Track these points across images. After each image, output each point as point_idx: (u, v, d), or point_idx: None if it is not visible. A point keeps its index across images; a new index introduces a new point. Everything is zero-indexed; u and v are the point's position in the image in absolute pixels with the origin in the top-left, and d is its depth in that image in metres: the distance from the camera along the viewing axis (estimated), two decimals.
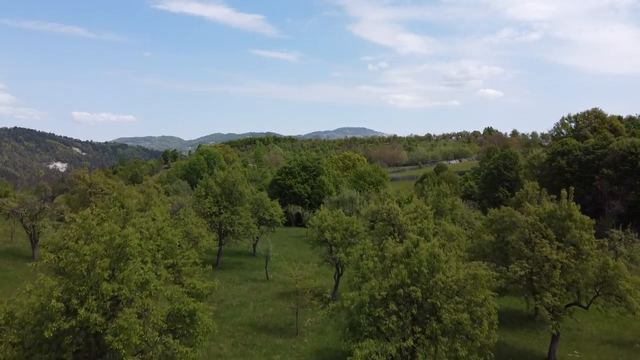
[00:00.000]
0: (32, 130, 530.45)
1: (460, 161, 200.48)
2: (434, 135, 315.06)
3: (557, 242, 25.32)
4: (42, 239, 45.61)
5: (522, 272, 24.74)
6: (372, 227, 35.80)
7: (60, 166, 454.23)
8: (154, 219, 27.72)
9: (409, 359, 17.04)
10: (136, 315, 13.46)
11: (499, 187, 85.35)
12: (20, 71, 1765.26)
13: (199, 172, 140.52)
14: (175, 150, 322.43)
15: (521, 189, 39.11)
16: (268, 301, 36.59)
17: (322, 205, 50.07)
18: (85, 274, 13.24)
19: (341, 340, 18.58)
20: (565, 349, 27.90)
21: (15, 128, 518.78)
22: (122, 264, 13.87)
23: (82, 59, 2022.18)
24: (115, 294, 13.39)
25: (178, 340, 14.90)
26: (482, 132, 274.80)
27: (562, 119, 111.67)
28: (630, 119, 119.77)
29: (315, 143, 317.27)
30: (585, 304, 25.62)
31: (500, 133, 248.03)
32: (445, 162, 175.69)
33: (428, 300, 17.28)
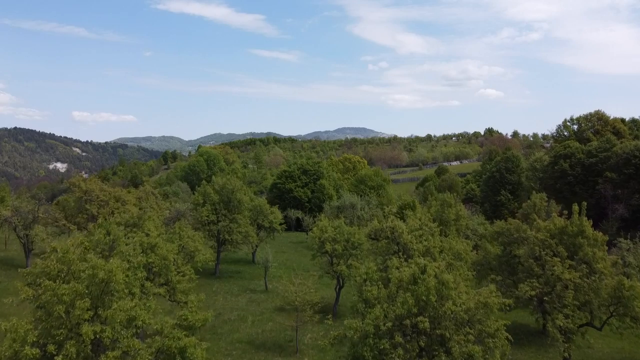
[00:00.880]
0: (32, 130, 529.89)
1: (461, 162, 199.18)
2: (435, 136, 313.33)
3: (568, 261, 24.20)
4: (37, 247, 44.58)
5: (533, 292, 23.63)
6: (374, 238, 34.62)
7: (61, 166, 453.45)
8: (147, 234, 26.64)
9: None
10: None
11: (501, 190, 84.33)
12: (20, 71, 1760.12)
13: (199, 173, 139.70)
14: (175, 150, 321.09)
15: (528, 200, 37.82)
16: (267, 315, 35.51)
17: (322, 213, 48.96)
18: (63, 315, 12.10)
19: None
20: None
21: (15, 128, 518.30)
22: (106, 300, 12.70)
23: (82, 59, 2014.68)
24: (98, 336, 12.22)
25: None
26: (482, 133, 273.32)
27: (565, 121, 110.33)
28: (634, 121, 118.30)
29: (316, 144, 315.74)
30: (598, 325, 24.55)
31: (501, 134, 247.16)
32: (446, 164, 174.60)
33: (436, 330, 16.17)
